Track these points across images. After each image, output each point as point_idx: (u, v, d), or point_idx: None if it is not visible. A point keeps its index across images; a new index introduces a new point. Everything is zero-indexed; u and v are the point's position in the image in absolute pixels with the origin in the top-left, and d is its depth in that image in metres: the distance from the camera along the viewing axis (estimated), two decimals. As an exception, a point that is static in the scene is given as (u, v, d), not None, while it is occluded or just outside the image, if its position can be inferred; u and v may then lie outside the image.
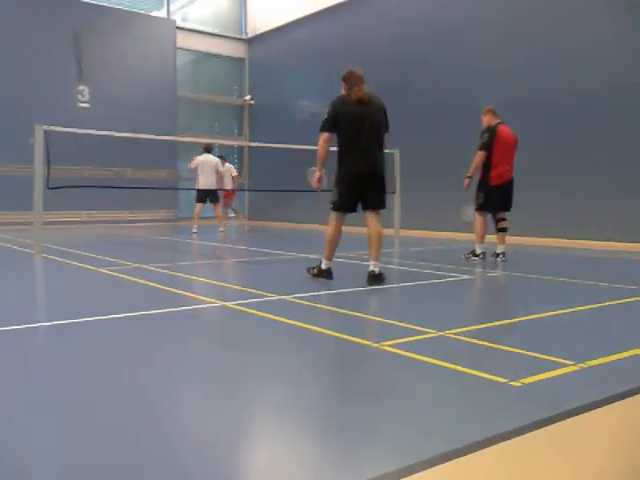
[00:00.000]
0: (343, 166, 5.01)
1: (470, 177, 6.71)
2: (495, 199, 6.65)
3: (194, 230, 11.26)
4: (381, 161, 5.07)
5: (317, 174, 5.06)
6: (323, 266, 5.13)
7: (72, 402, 2.16)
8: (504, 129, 6.65)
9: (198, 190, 11.45)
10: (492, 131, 6.58)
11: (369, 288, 4.80)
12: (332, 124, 4.98)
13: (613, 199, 8.75)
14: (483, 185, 6.65)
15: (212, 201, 11.71)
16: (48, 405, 2.14)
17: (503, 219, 6.78)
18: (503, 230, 6.75)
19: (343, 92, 5.12)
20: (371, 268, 4.95)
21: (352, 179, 4.98)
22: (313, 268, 5.23)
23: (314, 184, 5.08)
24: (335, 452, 1.74)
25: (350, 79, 5.08)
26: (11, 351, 2.91)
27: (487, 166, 6.59)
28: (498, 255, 6.65)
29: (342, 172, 5.02)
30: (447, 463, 1.64)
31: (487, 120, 6.75)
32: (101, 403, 2.16)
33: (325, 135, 4.98)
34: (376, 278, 4.92)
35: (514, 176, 6.75)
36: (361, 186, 4.99)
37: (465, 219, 7.12)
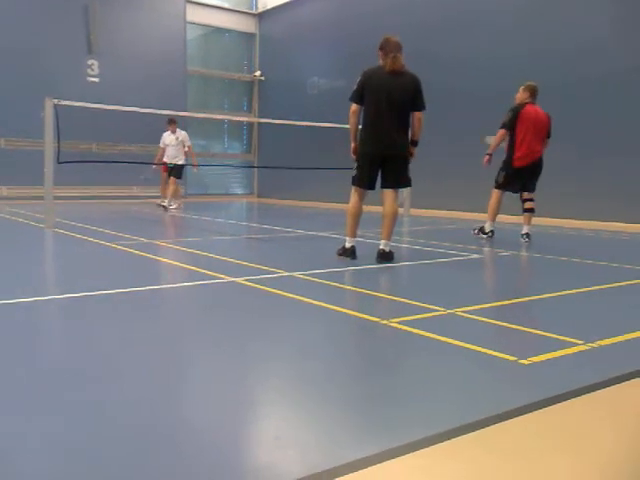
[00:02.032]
0: (362, 143, 5.00)
1: (490, 154, 6.53)
2: (516, 180, 6.51)
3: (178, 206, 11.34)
4: (401, 142, 4.95)
5: (352, 145, 5.08)
6: (346, 244, 5.07)
7: (84, 375, 2.19)
8: (531, 109, 6.39)
9: (184, 165, 11.39)
10: (515, 111, 6.38)
11: (378, 266, 4.80)
12: (358, 96, 4.95)
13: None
14: (506, 165, 6.50)
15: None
16: (63, 378, 2.17)
17: (530, 199, 6.63)
18: (529, 211, 6.62)
19: (380, 62, 4.98)
20: (381, 247, 4.96)
21: (368, 158, 4.97)
22: (340, 248, 5.15)
23: (352, 154, 5.10)
24: (343, 426, 1.76)
25: (386, 46, 4.91)
26: (26, 323, 2.95)
27: (511, 146, 6.42)
28: (522, 235, 6.55)
29: (360, 148, 5.01)
30: (453, 439, 1.65)
31: (521, 97, 6.50)
32: (113, 376, 2.18)
33: (353, 107, 4.97)
34: (385, 256, 4.92)
35: (543, 157, 6.52)
36: (378, 165, 4.97)
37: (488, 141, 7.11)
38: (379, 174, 5.04)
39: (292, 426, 1.80)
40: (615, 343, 2.64)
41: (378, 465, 1.51)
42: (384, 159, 4.94)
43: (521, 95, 6.50)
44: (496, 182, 6.61)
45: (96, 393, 1.99)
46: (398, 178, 5.02)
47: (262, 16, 16.94)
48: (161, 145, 11.37)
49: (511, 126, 6.36)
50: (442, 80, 11.19)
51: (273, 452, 1.61)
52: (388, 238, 4.95)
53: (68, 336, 2.77)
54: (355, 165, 5.05)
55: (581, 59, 9.21)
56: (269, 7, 16.59)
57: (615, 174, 8.89)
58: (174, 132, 11.16)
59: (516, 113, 6.36)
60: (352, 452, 1.56)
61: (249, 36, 17.15)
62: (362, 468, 1.49)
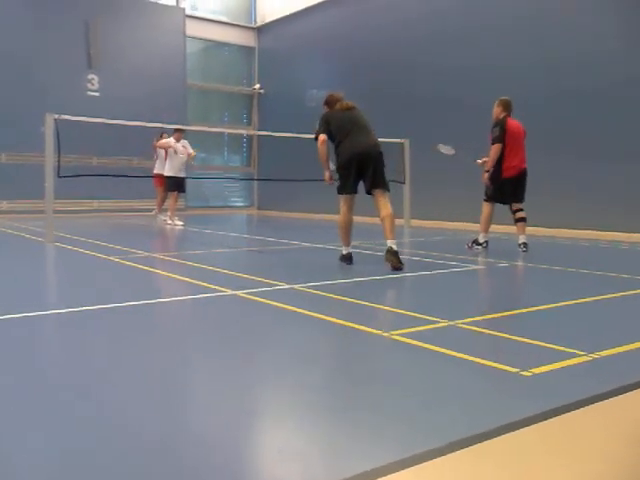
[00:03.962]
0: (341, 153, 5.40)
1: (488, 171, 6.72)
2: (506, 191, 6.69)
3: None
4: (375, 141, 5.39)
5: (327, 173, 5.57)
6: (343, 252, 5.53)
7: (84, 387, 2.19)
8: (512, 122, 6.68)
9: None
10: (502, 124, 6.61)
11: (379, 277, 4.80)
12: (325, 127, 5.46)
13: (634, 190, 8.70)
14: (495, 177, 6.69)
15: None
16: (66, 390, 2.17)
17: (520, 209, 6.77)
18: (522, 220, 6.74)
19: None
20: (389, 245, 5.13)
21: (350, 161, 5.33)
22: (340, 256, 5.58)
23: (326, 181, 5.64)
24: (346, 438, 1.75)
25: (330, 101, 5.62)
26: (25, 338, 2.94)
27: (499, 159, 6.63)
28: (520, 245, 6.60)
29: (341, 157, 5.40)
30: (456, 452, 1.65)
31: (496, 112, 6.77)
32: (114, 388, 2.18)
33: (321, 137, 5.45)
34: (395, 254, 5.09)
35: (527, 167, 6.74)
36: (360, 166, 5.32)
37: (445, 151, 7.65)
38: (363, 180, 5.38)
39: (295, 439, 1.80)
40: (617, 354, 2.64)
41: (381, 478, 1.50)
42: (365, 159, 5.28)
43: (497, 110, 6.77)
44: (486, 195, 6.82)
45: (98, 405, 1.98)
46: (381, 176, 5.36)
47: (261, 30, 17.06)
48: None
49: (502, 139, 6.58)
50: (440, 91, 11.26)
51: (276, 466, 1.61)
52: (394, 237, 5.18)
53: (70, 349, 2.77)
54: (338, 176, 5.48)
55: (582, 69, 9.27)
56: (267, 21, 16.72)
57: (613, 183, 8.90)
58: (179, 140, 10.51)
59: (503, 127, 6.60)
60: (355, 465, 1.55)
61: (248, 49, 17.26)
62: (365, 482, 1.48)
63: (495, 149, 6.58)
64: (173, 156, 10.50)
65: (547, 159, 9.25)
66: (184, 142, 10.73)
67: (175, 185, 10.53)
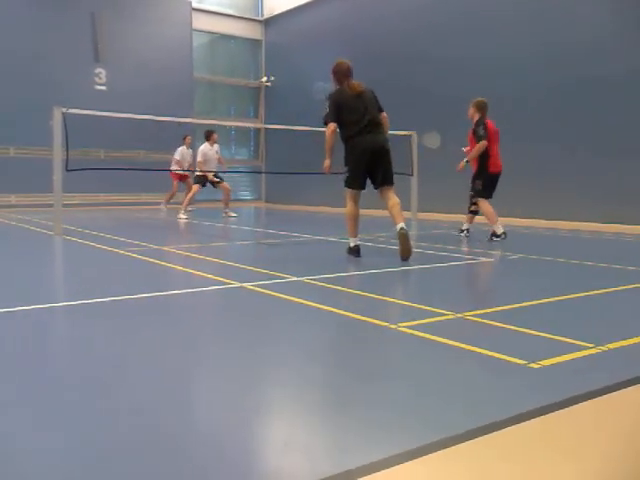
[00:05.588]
0: (350, 147, 5.39)
1: (468, 162, 7.02)
2: (492, 186, 7.06)
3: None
4: (384, 138, 5.43)
5: (327, 161, 5.50)
6: (351, 244, 5.51)
7: (95, 380, 2.20)
8: (490, 123, 7.00)
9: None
10: (484, 124, 6.90)
11: (386, 270, 4.79)
12: (335, 114, 5.38)
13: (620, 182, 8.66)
14: (482, 173, 6.98)
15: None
16: (73, 385, 2.18)
17: (475, 203, 7.24)
18: (475, 212, 7.25)
19: (336, 85, 5.55)
20: (400, 226, 5.18)
21: (360, 156, 5.34)
22: (347, 249, 5.59)
23: (325, 169, 5.55)
24: (351, 431, 1.75)
25: (338, 72, 5.54)
26: (35, 330, 2.96)
27: (485, 156, 6.93)
28: (462, 231, 7.35)
29: (350, 152, 5.39)
30: (462, 444, 1.64)
31: (471, 112, 7.02)
32: (121, 381, 2.19)
33: (331, 126, 5.38)
34: (406, 235, 5.14)
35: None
36: (368, 162, 5.35)
37: (431, 144, 7.97)
38: (371, 177, 5.44)
39: (301, 431, 1.80)
40: (625, 346, 2.62)
41: (386, 470, 1.50)
42: (373, 155, 5.31)
43: (471, 110, 7.04)
44: (478, 192, 7.09)
45: (105, 399, 1.99)
46: (388, 172, 5.40)
47: (268, 22, 17.01)
48: (200, 159, 10.92)
49: (488, 138, 6.88)
50: (445, 83, 11.19)
51: (282, 458, 1.61)
52: (403, 221, 5.24)
53: (77, 343, 2.78)
54: (346, 169, 5.45)
55: (579, 61, 9.23)
56: (274, 13, 16.66)
57: (616, 176, 8.86)
58: (212, 144, 11.03)
59: (486, 126, 6.87)
60: (361, 457, 1.55)
61: (255, 42, 17.22)
62: (371, 473, 1.48)
63: (482, 145, 6.85)
64: (208, 161, 11.03)
65: (555, 152, 9.21)
66: (216, 146, 11.16)
67: (200, 180, 11.12)
